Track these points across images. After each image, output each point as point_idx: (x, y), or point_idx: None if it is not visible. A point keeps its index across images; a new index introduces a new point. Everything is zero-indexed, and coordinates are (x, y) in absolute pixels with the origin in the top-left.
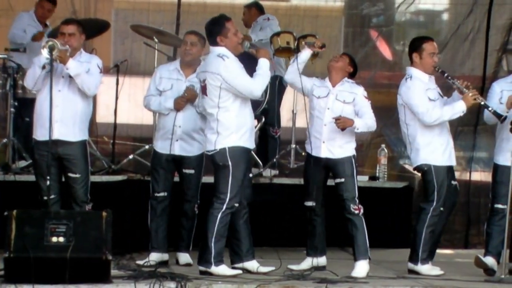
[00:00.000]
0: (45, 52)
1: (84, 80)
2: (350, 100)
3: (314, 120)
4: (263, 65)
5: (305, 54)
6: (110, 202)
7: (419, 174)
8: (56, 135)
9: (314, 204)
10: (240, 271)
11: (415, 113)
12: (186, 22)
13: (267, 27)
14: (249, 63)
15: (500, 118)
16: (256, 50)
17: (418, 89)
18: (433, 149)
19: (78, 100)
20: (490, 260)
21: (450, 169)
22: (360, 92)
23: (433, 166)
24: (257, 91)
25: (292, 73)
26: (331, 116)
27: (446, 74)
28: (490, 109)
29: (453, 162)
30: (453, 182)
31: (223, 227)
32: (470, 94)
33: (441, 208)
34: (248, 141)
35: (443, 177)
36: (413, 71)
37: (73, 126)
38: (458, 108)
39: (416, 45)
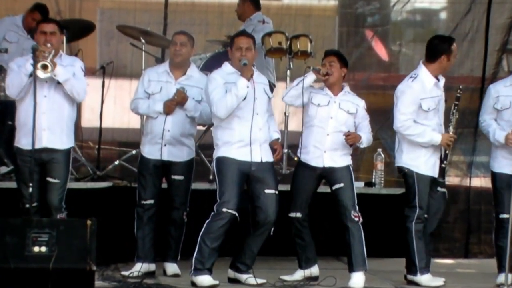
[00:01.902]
0: (40, 74)
1: (74, 85)
2: (354, 111)
3: (314, 129)
4: (239, 86)
5: (310, 79)
6: (94, 210)
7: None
8: (44, 143)
9: (300, 215)
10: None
11: (394, 115)
12: (173, 22)
13: (260, 31)
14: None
15: (442, 178)
16: (242, 69)
17: (411, 96)
18: (417, 156)
19: (65, 106)
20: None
21: (433, 180)
22: (362, 104)
23: (415, 173)
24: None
25: (293, 96)
26: (334, 125)
27: (457, 102)
28: (445, 163)
29: (435, 174)
30: (440, 189)
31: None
32: (450, 138)
33: (426, 215)
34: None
35: (424, 184)
36: (422, 71)
37: (60, 133)
38: (434, 139)
39: (447, 46)
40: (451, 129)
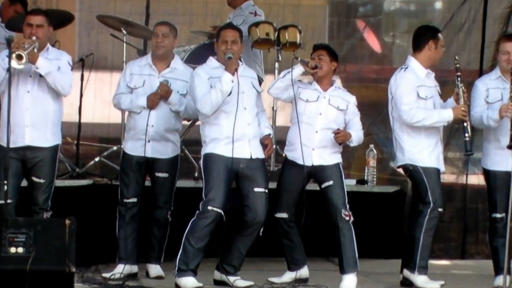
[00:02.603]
0: (15, 64)
1: (57, 78)
2: (344, 107)
3: (303, 126)
4: (223, 81)
5: (298, 72)
6: (74, 208)
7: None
8: (28, 141)
9: (287, 215)
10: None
11: (397, 108)
12: (156, 12)
13: (251, 22)
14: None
15: (467, 151)
16: (226, 63)
17: (408, 84)
18: (420, 149)
19: (50, 101)
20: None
21: (438, 172)
22: (352, 101)
23: (420, 167)
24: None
25: (279, 89)
26: (323, 122)
27: (458, 73)
28: (466, 135)
29: (441, 167)
30: None
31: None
32: (463, 108)
33: (440, 209)
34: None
35: (433, 177)
36: (412, 62)
37: (45, 130)
38: (445, 116)
39: (433, 33)
40: (461, 101)
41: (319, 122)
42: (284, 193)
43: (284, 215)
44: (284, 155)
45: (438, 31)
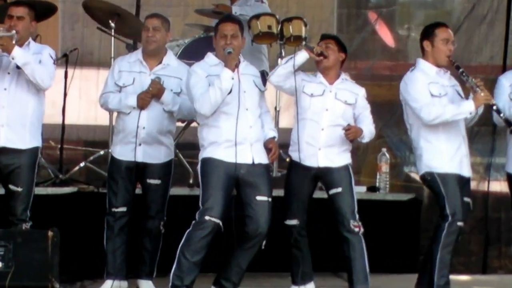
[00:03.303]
0: None
1: (35, 69)
2: (352, 101)
3: (307, 123)
4: (222, 78)
5: (302, 58)
6: (57, 219)
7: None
8: (2, 142)
9: (298, 222)
10: None
11: (412, 109)
12: (148, 4)
13: (256, 9)
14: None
15: (510, 126)
16: (226, 58)
17: (418, 82)
18: (437, 154)
19: (29, 99)
20: None
21: (461, 180)
22: (361, 93)
23: (436, 174)
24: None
25: (281, 76)
26: (330, 119)
27: (461, 70)
28: (502, 115)
29: (465, 173)
30: (466, 199)
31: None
32: (482, 94)
33: (459, 223)
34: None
35: (452, 186)
36: (420, 63)
37: (23, 131)
38: (465, 107)
39: (427, 32)
40: (478, 90)
41: (325, 119)
42: (293, 198)
43: (294, 222)
44: (287, 159)
45: (436, 26)
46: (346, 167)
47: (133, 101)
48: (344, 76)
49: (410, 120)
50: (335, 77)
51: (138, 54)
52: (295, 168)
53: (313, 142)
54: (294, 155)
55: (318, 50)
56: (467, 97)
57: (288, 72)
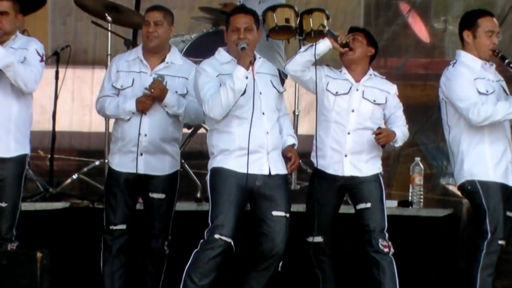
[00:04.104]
0: None
1: (18, 71)
2: (382, 100)
3: (331, 125)
4: (235, 77)
5: (324, 45)
6: (46, 238)
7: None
8: None
9: (322, 240)
10: None
11: (457, 109)
12: None
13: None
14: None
15: None
16: (239, 55)
17: (463, 78)
18: (481, 160)
19: (12, 103)
20: None
21: (506, 191)
22: (393, 91)
23: (478, 182)
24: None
25: (299, 65)
26: (357, 121)
27: (507, 61)
28: None
29: (511, 182)
30: (509, 214)
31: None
32: None
33: (500, 242)
34: None
35: (495, 197)
36: (461, 55)
37: (6, 137)
38: None
39: (468, 21)
40: None
41: (352, 121)
42: (316, 211)
43: (318, 239)
44: (308, 170)
45: (478, 17)
46: (376, 178)
47: (132, 105)
48: (372, 72)
49: (450, 121)
50: (362, 73)
51: (138, 51)
52: (318, 177)
53: (338, 147)
54: (319, 162)
55: (343, 39)
56: None
57: (306, 61)
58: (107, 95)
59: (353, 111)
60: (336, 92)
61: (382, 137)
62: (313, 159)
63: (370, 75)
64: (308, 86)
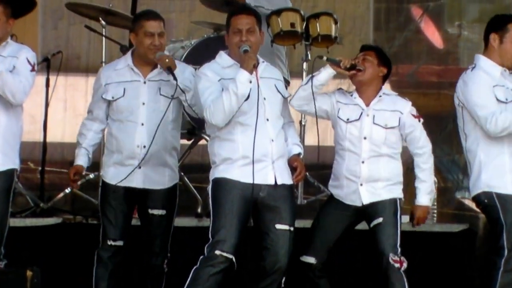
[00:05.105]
0: None
1: (6, 81)
2: (395, 123)
3: (346, 154)
4: (238, 81)
5: (326, 73)
6: (37, 256)
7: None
8: None
9: (315, 261)
10: None
11: (474, 116)
12: None
13: (275, 1)
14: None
15: None
16: (242, 58)
17: (481, 83)
18: (500, 171)
19: (0, 114)
20: None
21: None
22: (406, 110)
23: (496, 195)
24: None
25: (303, 99)
26: (370, 148)
27: None
28: None
29: None
30: None
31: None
32: None
33: None
34: None
35: None
36: (480, 60)
37: None
38: None
39: (498, 24)
40: None
41: (365, 149)
42: (320, 232)
43: (311, 260)
44: (315, 182)
45: (509, 22)
46: (393, 200)
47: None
48: (382, 91)
49: (466, 128)
50: (373, 95)
51: (127, 59)
52: (333, 204)
53: (353, 177)
54: (335, 192)
55: (346, 64)
56: None
57: (309, 93)
58: (89, 118)
59: (365, 138)
60: (348, 119)
61: (420, 220)
62: (331, 189)
63: (380, 96)
64: (320, 115)
